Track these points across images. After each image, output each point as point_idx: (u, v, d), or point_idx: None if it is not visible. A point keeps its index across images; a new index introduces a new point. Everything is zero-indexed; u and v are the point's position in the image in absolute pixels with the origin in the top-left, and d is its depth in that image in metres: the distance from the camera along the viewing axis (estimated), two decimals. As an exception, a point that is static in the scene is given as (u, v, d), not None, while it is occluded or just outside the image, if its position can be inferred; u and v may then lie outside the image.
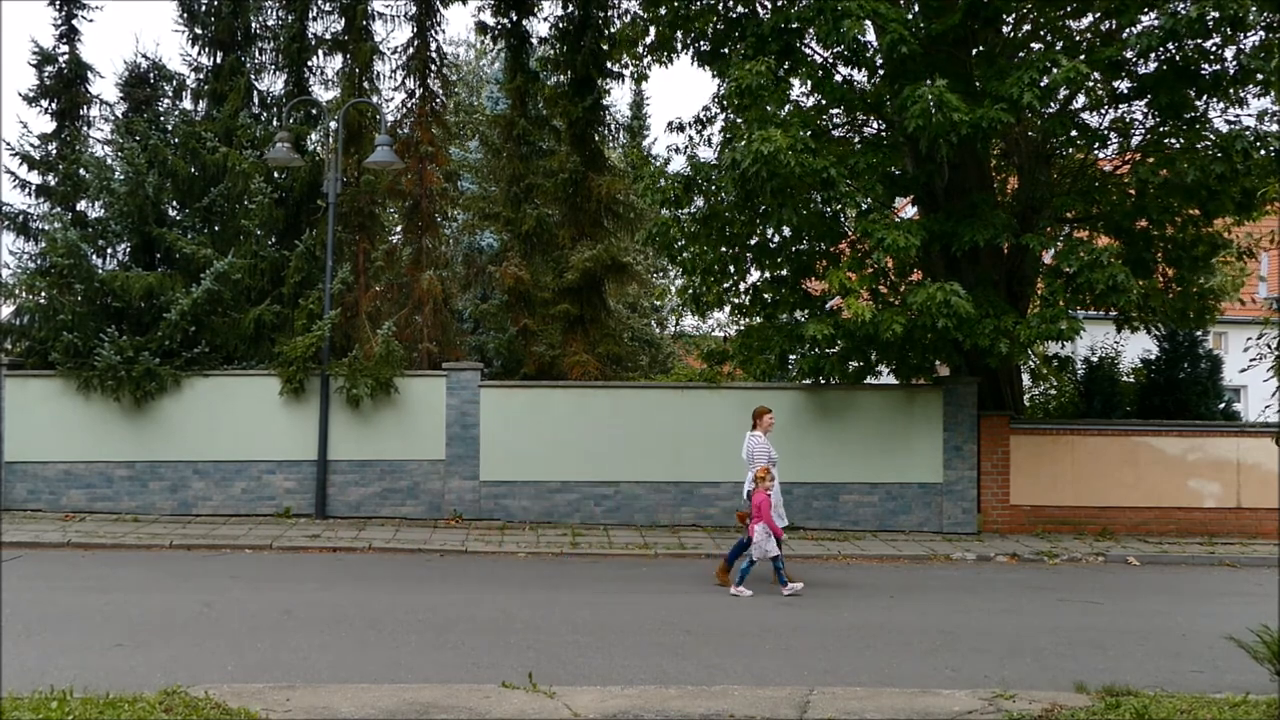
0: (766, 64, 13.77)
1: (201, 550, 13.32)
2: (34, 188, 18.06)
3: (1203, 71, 14.48)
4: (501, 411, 15.99)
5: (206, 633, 8.83)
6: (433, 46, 19.47)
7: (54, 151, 18.22)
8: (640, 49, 17.69)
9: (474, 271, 24.16)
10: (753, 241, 16.16)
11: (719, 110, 16.93)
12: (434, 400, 16.00)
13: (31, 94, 18.42)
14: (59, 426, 15.75)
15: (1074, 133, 15.65)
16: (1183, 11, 13.34)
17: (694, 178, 15.22)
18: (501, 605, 10.21)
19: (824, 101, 15.88)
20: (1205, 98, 14.82)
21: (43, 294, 15.98)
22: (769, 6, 16.05)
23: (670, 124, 17.22)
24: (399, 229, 21.35)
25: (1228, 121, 15.01)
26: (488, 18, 19.34)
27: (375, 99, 18.67)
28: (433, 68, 19.54)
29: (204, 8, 18.14)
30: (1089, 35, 15.74)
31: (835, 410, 16.08)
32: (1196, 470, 16.39)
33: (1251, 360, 18.73)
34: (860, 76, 16.05)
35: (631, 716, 6.57)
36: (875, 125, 16.97)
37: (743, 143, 13.57)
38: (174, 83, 18.27)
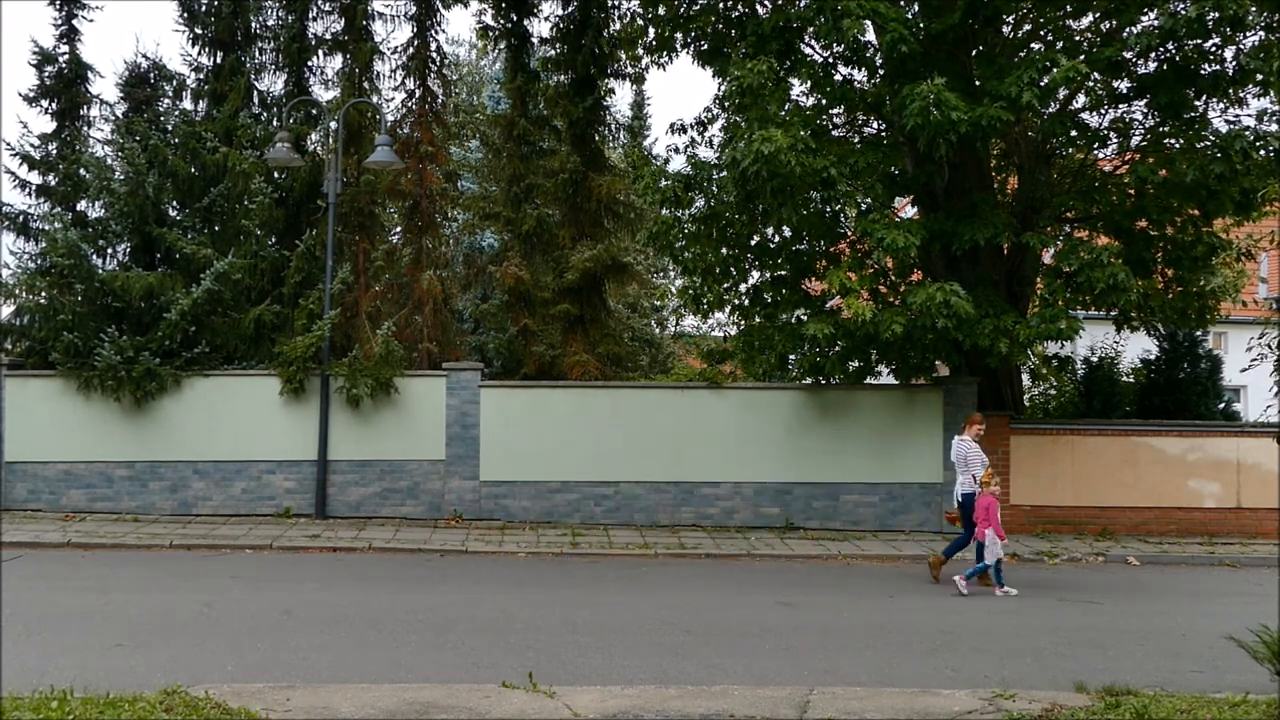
0: (768, 63, 13.77)
1: (201, 550, 13.32)
2: (34, 188, 18.05)
3: (1202, 71, 14.47)
4: (501, 411, 16.00)
5: (206, 633, 8.83)
6: (433, 46, 19.47)
7: (54, 151, 18.21)
8: (640, 49, 17.70)
9: (474, 271, 24.15)
10: (753, 242, 16.19)
11: (719, 111, 16.95)
12: (434, 400, 16.00)
13: (31, 94, 18.41)
14: (59, 426, 15.75)
15: (1074, 133, 15.65)
16: (1182, 11, 13.35)
17: (694, 177, 15.23)
18: (501, 605, 10.21)
19: (824, 101, 15.88)
20: (1205, 98, 14.81)
21: (43, 294, 15.99)
22: (769, 6, 16.05)
23: (671, 125, 17.23)
24: (399, 229, 21.34)
25: (1227, 121, 15.01)
26: (489, 19, 19.37)
27: (375, 99, 18.67)
28: (433, 68, 19.53)
29: (204, 8, 18.13)
30: (1089, 35, 15.74)
31: (835, 410, 16.08)
32: (1196, 470, 16.39)
33: (1254, 360, 18.79)
34: (860, 76, 16.06)
35: (631, 716, 6.57)
36: (875, 125, 16.98)
37: (743, 142, 13.57)
38: (174, 83, 18.26)
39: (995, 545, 11.50)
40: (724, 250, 16.18)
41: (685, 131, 17.14)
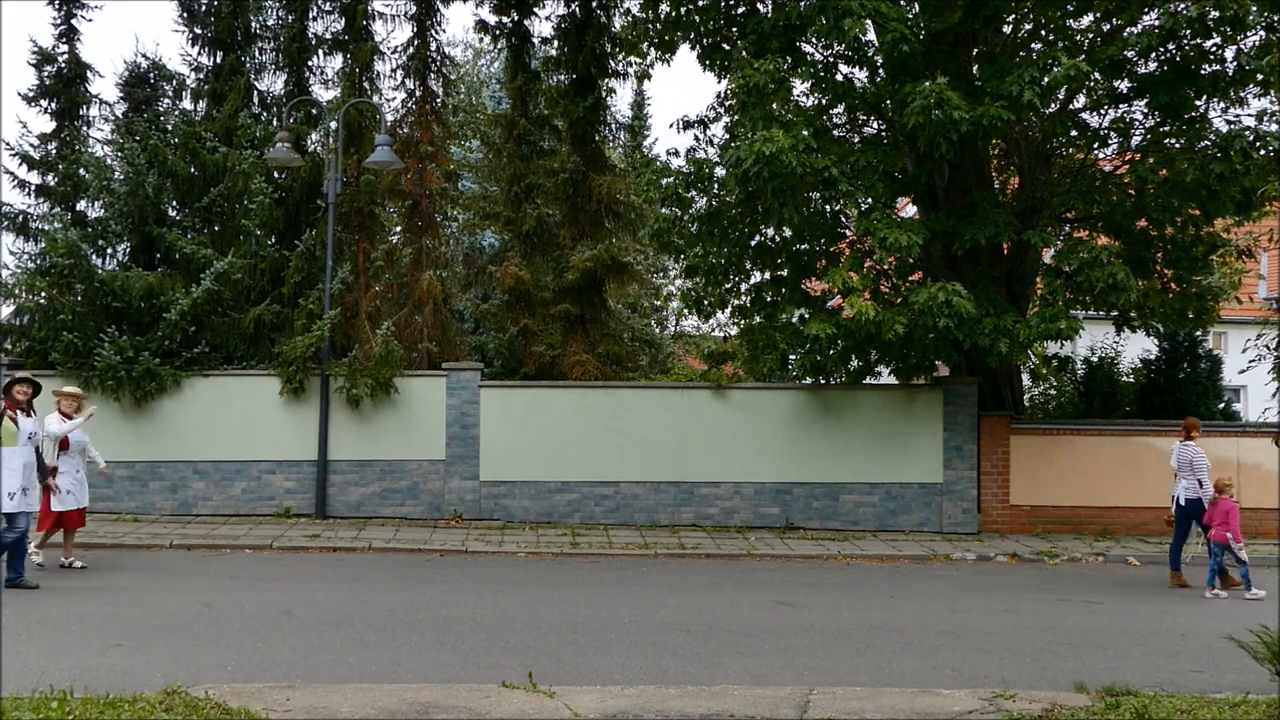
0: (775, 63, 13.80)
1: (201, 550, 13.32)
2: (34, 188, 18.04)
3: (1203, 71, 14.48)
4: (501, 411, 15.99)
5: (206, 633, 8.82)
6: (433, 46, 19.46)
7: (54, 151, 18.20)
8: (645, 46, 17.71)
9: (474, 271, 24.13)
10: (754, 242, 16.21)
11: (721, 110, 16.97)
12: (434, 400, 16.00)
13: (31, 94, 18.37)
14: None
15: (1074, 132, 15.67)
16: (1183, 11, 13.36)
17: (696, 175, 15.25)
18: (501, 605, 10.20)
19: (824, 101, 15.89)
20: (1205, 98, 14.81)
21: (43, 294, 15.98)
22: (770, 4, 16.06)
23: (673, 123, 17.25)
24: (399, 229, 21.34)
25: (1228, 121, 15.03)
26: (489, 17, 19.35)
27: (375, 99, 18.65)
28: (433, 68, 19.53)
29: (204, 8, 18.12)
30: (1089, 35, 15.75)
31: (835, 410, 16.08)
32: (1196, 470, 16.35)
33: (1251, 361, 18.80)
34: (861, 75, 16.09)
35: (631, 716, 6.56)
36: (875, 125, 17.00)
37: (744, 142, 13.59)
38: (174, 83, 18.26)
39: (1238, 544, 11.74)
40: (726, 250, 16.20)
41: (690, 128, 17.14)
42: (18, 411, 10.60)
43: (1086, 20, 15.85)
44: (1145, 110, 15.59)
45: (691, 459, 16.01)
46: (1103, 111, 16.18)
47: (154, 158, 16.52)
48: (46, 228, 16.96)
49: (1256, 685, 7.24)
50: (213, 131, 17.05)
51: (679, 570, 12.78)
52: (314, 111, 18.07)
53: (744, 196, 14.46)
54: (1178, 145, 15.01)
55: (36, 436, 10.85)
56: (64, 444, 11.56)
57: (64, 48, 18.48)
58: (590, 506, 16.00)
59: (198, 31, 18.13)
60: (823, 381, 16.26)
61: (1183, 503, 12.30)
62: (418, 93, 19.35)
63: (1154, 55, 14.58)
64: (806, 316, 15.35)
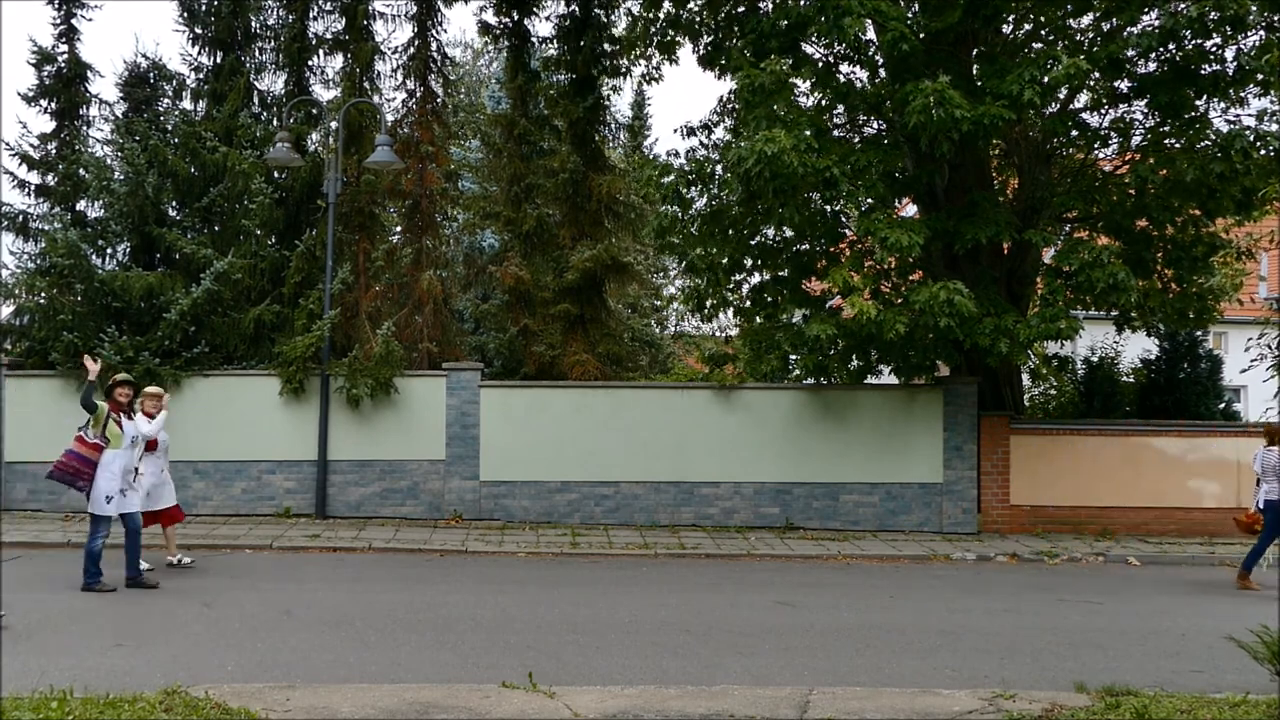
0: (781, 63, 13.82)
1: (201, 550, 13.30)
2: (34, 188, 18.03)
3: (1203, 71, 14.48)
4: (501, 411, 16.00)
5: (206, 633, 8.83)
6: (433, 46, 19.47)
7: (53, 151, 18.19)
8: (649, 48, 17.73)
9: (474, 271, 24.12)
10: (754, 242, 16.22)
11: (723, 113, 16.95)
12: (434, 400, 16.01)
13: (31, 93, 18.36)
14: (59, 426, 15.69)
15: (1074, 132, 15.67)
16: (1183, 11, 13.36)
17: (696, 174, 15.27)
18: (501, 605, 10.21)
19: (824, 101, 15.90)
20: (1205, 98, 14.81)
21: (43, 294, 15.98)
22: (770, 3, 16.07)
23: (678, 129, 17.26)
24: (399, 229, 21.34)
25: (1228, 121, 15.04)
26: (489, 17, 19.36)
27: (375, 99, 18.65)
28: (433, 68, 19.53)
29: (204, 7, 18.11)
30: (1089, 35, 15.76)
31: (836, 410, 16.08)
32: (1196, 470, 16.39)
33: (1252, 360, 18.82)
34: (861, 75, 16.10)
35: (631, 716, 6.56)
36: (876, 125, 17.00)
37: (746, 142, 13.60)
38: (174, 82, 18.25)
39: None
40: (727, 250, 16.22)
41: (694, 134, 17.16)
42: (120, 414, 10.62)
43: (1086, 20, 15.86)
44: (1145, 110, 15.59)
45: (691, 459, 16.01)
46: (1103, 111, 16.19)
47: (154, 158, 16.52)
48: (46, 228, 16.95)
49: (1256, 685, 7.25)
50: (213, 131, 17.04)
51: (679, 570, 12.78)
52: (314, 111, 18.07)
53: (745, 196, 14.46)
54: (1178, 145, 15.00)
55: (138, 439, 10.88)
56: (150, 444, 11.55)
57: (64, 47, 18.47)
58: (590, 506, 16.00)
59: (198, 31, 18.12)
60: (823, 381, 16.26)
61: (1260, 505, 12.33)
62: (418, 93, 19.35)
63: (1154, 55, 14.59)
64: (807, 316, 15.36)
